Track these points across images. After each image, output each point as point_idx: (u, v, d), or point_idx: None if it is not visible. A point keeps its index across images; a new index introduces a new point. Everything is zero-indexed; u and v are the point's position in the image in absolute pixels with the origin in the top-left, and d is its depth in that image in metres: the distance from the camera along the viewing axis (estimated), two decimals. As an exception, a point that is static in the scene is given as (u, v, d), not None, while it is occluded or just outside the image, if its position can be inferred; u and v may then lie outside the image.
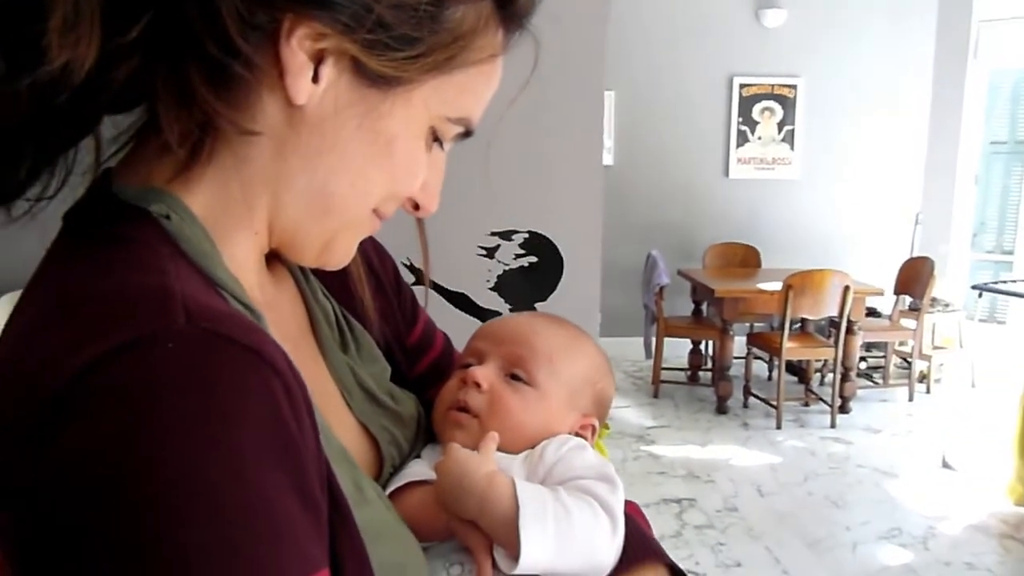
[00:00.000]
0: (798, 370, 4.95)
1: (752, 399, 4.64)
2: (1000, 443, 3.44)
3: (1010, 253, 5.66)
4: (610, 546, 0.57)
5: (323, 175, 0.49)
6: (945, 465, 3.76)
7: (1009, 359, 5.01)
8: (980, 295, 4.43)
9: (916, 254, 5.18)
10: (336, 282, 0.64)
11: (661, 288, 4.71)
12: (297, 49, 0.45)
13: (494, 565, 0.55)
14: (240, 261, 0.50)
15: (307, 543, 0.39)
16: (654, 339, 4.79)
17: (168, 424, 0.34)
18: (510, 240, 2.44)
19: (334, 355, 0.60)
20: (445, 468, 0.58)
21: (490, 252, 2.41)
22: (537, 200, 2.43)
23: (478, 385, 0.65)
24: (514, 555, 0.54)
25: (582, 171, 2.49)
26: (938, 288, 4.88)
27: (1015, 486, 3.28)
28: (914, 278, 4.81)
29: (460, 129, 0.53)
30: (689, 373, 5.04)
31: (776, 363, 4.47)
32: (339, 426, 0.55)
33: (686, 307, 5.11)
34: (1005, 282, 4.45)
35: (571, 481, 0.59)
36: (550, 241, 2.45)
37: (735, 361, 4.59)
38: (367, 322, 0.65)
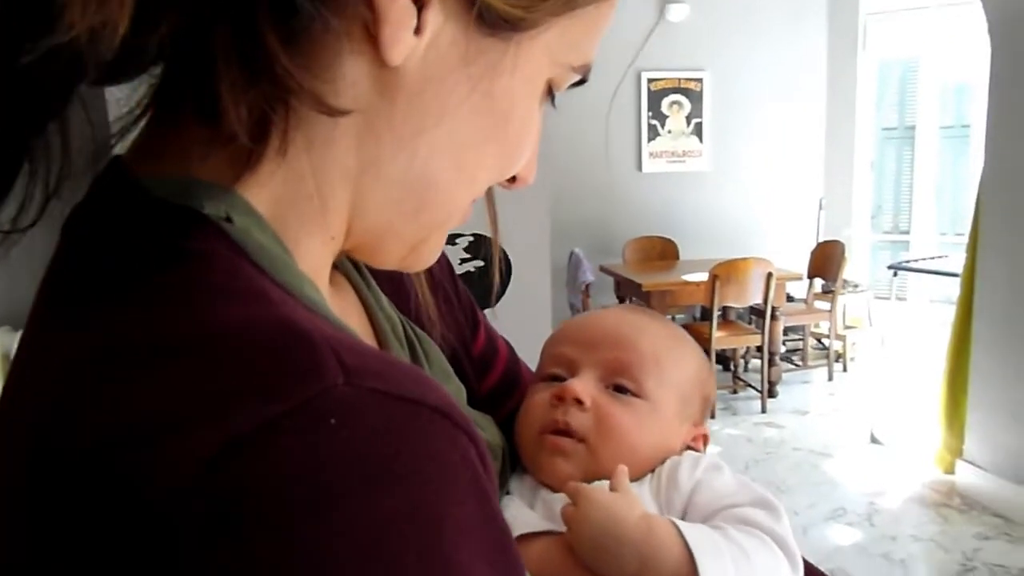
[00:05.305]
0: (724, 358, 5.03)
1: (683, 390, 4.67)
2: (924, 415, 3.58)
3: (906, 233, 5.96)
4: None
5: (424, 159, 0.37)
6: (874, 440, 3.88)
7: (914, 333, 5.26)
8: (895, 274, 4.62)
9: (822, 238, 5.37)
10: (390, 285, 0.51)
11: (587, 286, 4.68)
12: None
13: None
14: (309, 273, 0.36)
15: None
16: (583, 337, 4.75)
17: (350, 546, 0.23)
18: (454, 244, 2.31)
19: None
20: (584, 516, 0.46)
21: (436, 257, 2.27)
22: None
23: (579, 402, 0.53)
24: None
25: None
26: (847, 270, 5.07)
27: (943, 455, 3.41)
28: (826, 261, 4.97)
29: (577, 77, 0.42)
30: (618, 369, 5.04)
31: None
32: None
33: (611, 303, 5.10)
34: (917, 260, 4.65)
35: (724, 511, 0.50)
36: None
37: (664, 354, 4.62)
38: (431, 329, 0.52)
